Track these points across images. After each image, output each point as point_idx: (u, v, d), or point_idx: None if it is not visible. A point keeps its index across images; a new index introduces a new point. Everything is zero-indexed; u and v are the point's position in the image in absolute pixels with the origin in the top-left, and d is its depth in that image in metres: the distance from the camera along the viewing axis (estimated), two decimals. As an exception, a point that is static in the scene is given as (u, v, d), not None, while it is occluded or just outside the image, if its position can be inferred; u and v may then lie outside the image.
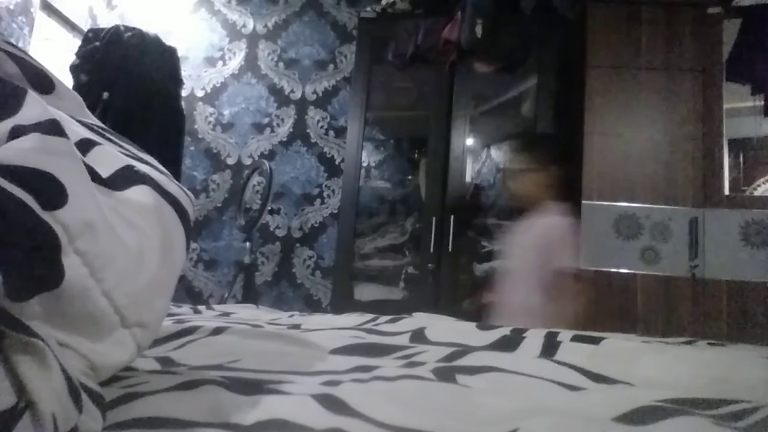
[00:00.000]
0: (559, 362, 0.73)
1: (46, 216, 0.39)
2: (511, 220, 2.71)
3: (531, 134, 2.59)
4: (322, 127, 3.33)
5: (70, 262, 0.41)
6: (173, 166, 2.48)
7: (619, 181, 2.42)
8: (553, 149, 2.24)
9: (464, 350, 0.77)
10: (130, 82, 2.45)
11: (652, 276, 2.33)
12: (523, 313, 1.90)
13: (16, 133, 0.42)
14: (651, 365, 0.74)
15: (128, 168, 0.57)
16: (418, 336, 0.91)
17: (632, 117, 2.47)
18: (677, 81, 2.46)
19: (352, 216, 2.83)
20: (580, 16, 2.62)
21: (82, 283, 0.43)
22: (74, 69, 2.48)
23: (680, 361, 0.75)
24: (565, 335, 0.90)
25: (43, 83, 0.57)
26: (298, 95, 3.38)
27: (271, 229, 3.26)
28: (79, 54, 2.53)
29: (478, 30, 2.62)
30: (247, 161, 3.35)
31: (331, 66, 3.38)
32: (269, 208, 3.02)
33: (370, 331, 0.95)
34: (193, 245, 3.26)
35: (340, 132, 3.25)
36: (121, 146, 0.62)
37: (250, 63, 3.45)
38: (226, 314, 1.20)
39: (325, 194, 3.26)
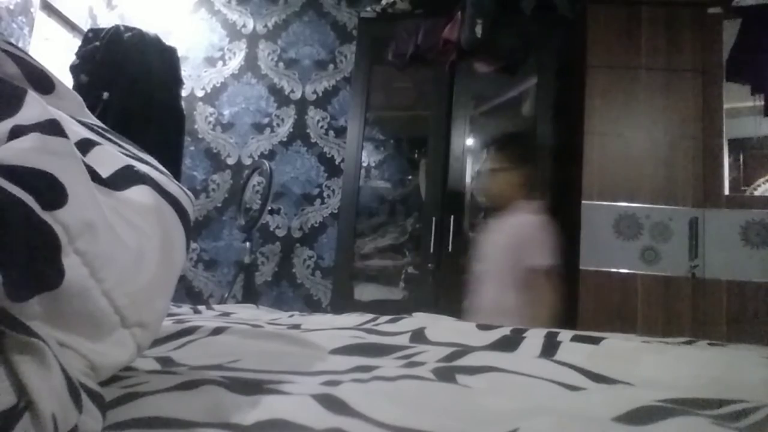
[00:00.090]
0: (559, 362, 0.73)
1: (46, 216, 0.39)
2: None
3: (504, 134, 2.63)
4: (322, 127, 3.33)
5: (70, 262, 0.41)
6: (173, 166, 2.48)
7: (619, 181, 2.42)
8: (525, 149, 2.28)
9: (464, 350, 0.77)
10: (130, 82, 2.45)
11: (652, 276, 2.33)
12: (498, 311, 1.91)
13: (16, 133, 0.42)
14: (651, 365, 0.74)
15: (128, 168, 0.57)
16: (418, 336, 0.91)
17: (632, 117, 2.47)
18: (677, 81, 2.46)
19: (352, 216, 2.83)
20: (580, 16, 2.62)
21: (82, 283, 0.43)
22: (74, 69, 2.48)
23: (680, 361, 0.75)
24: (565, 335, 0.90)
25: (43, 83, 0.57)
26: (298, 95, 3.38)
27: (271, 229, 3.26)
28: (79, 54, 2.53)
29: (478, 30, 2.62)
30: (247, 161, 3.35)
31: (331, 66, 3.38)
32: (269, 208, 3.02)
33: (370, 331, 0.95)
34: (193, 245, 3.26)
35: (340, 132, 3.25)
36: (121, 146, 0.62)
37: (250, 63, 3.45)
38: (226, 314, 1.20)
39: (325, 194, 3.26)
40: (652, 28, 2.50)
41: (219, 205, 3.34)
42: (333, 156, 3.28)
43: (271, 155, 3.33)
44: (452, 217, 2.63)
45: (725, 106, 2.43)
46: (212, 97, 3.45)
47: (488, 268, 2.08)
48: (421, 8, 2.92)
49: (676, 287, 2.30)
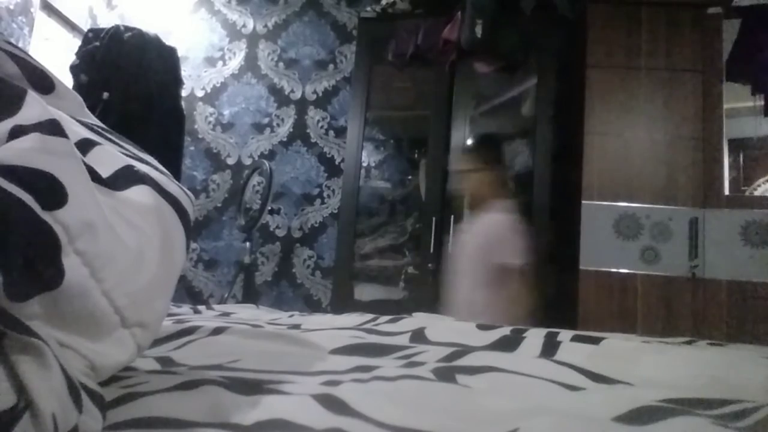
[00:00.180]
0: (559, 362, 0.73)
1: (46, 216, 0.39)
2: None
3: (475, 135, 2.67)
4: (322, 127, 3.33)
5: (70, 262, 0.41)
6: (173, 166, 2.48)
7: (619, 181, 2.42)
8: (497, 150, 2.31)
9: (464, 350, 0.77)
10: (130, 82, 2.45)
11: (652, 276, 2.33)
12: (470, 309, 1.93)
13: (16, 133, 0.42)
14: (651, 365, 0.74)
15: (128, 168, 0.57)
16: (418, 336, 0.91)
17: (632, 117, 2.47)
18: (677, 81, 2.46)
19: (352, 216, 2.83)
20: (580, 16, 2.62)
21: (82, 283, 0.43)
22: (74, 69, 2.48)
23: (680, 361, 0.75)
24: (565, 335, 0.90)
25: (43, 83, 0.57)
26: (298, 95, 3.38)
27: (271, 229, 3.26)
28: (79, 54, 2.53)
29: (478, 30, 2.62)
30: (247, 161, 3.35)
31: (331, 66, 3.38)
32: (269, 208, 3.02)
33: (370, 331, 0.95)
34: (193, 245, 3.26)
35: (340, 132, 3.25)
36: (121, 146, 0.62)
37: (250, 63, 3.45)
38: (226, 314, 1.20)
39: (325, 194, 3.26)
40: (652, 28, 2.50)
41: (219, 205, 3.34)
42: (333, 156, 3.28)
43: (271, 155, 3.33)
44: (452, 217, 2.63)
45: (725, 106, 2.42)
46: (212, 97, 3.45)
47: (461, 268, 2.10)
48: (421, 8, 2.92)
49: (676, 287, 2.30)
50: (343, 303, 2.70)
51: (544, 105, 2.66)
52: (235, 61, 3.47)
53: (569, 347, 0.82)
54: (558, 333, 0.92)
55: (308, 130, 3.34)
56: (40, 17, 2.68)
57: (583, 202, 2.41)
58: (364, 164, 3.01)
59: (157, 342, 0.74)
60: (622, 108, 2.48)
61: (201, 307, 1.30)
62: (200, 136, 3.41)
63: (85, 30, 2.74)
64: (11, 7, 2.48)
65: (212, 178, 3.37)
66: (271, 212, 3.22)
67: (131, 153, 0.62)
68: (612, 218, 2.39)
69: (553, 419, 0.49)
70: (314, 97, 3.37)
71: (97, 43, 2.49)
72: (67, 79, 2.48)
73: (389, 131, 3.23)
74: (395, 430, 0.46)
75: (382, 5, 3.01)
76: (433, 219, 2.66)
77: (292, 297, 3.18)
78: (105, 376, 0.49)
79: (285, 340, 0.81)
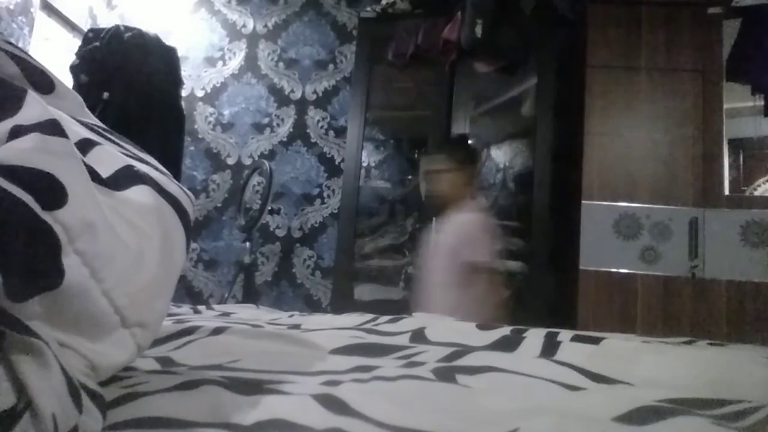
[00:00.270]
0: (559, 362, 0.73)
1: (46, 216, 0.39)
2: (511, 220, 2.73)
3: (445, 137, 2.70)
4: (322, 127, 3.33)
5: (70, 262, 0.41)
6: (173, 166, 2.48)
7: (619, 181, 2.42)
8: (467, 150, 2.35)
9: (464, 350, 0.77)
10: (130, 82, 2.45)
11: (652, 276, 2.33)
12: (441, 309, 1.94)
13: (16, 133, 0.42)
14: (651, 365, 0.74)
15: (128, 168, 0.57)
16: (418, 336, 0.91)
17: (632, 117, 2.47)
18: (677, 81, 2.46)
19: (352, 216, 2.83)
20: (580, 16, 2.62)
21: (82, 283, 0.43)
22: (74, 69, 2.48)
23: (680, 361, 0.75)
24: (565, 335, 0.90)
25: (43, 83, 0.57)
26: (298, 95, 3.38)
27: (271, 229, 3.26)
28: (79, 54, 2.53)
29: (478, 30, 2.62)
30: (247, 161, 3.35)
31: (331, 66, 3.38)
32: (269, 208, 3.02)
33: (370, 331, 0.95)
34: (193, 245, 3.26)
35: (340, 132, 3.25)
36: (121, 146, 0.62)
37: (250, 63, 3.45)
38: (226, 314, 1.20)
39: (325, 194, 3.26)
40: (652, 28, 2.50)
41: (219, 205, 3.34)
42: (333, 156, 3.28)
43: (271, 155, 3.32)
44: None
45: (725, 106, 2.43)
46: (212, 97, 3.45)
47: (432, 267, 2.12)
48: (421, 8, 2.92)
49: (676, 287, 2.30)
50: (343, 303, 2.70)
51: (544, 105, 2.66)
52: (235, 61, 3.47)
53: (569, 347, 0.82)
54: (558, 333, 0.92)
55: (308, 130, 3.34)
56: (40, 17, 2.68)
57: (583, 202, 2.41)
58: (364, 164, 3.01)
59: (157, 342, 0.74)
60: (622, 108, 2.48)
61: (201, 307, 1.30)
62: (200, 136, 3.41)
63: (85, 30, 2.74)
64: (11, 7, 2.48)
65: (212, 178, 3.37)
66: (271, 212, 3.22)
67: (131, 153, 0.62)
68: (612, 218, 2.39)
69: (553, 419, 0.49)
70: (314, 97, 3.37)
71: (97, 43, 2.49)
72: (67, 79, 2.48)
73: (389, 131, 3.23)
74: (395, 430, 0.46)
75: (382, 5, 3.01)
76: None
77: (292, 297, 3.18)
78: (105, 376, 0.49)
79: (285, 340, 0.81)
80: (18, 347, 0.35)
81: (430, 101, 2.87)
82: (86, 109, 0.65)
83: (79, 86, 2.41)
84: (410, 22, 2.84)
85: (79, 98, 0.64)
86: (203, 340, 0.78)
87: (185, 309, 1.24)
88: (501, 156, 2.92)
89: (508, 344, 0.85)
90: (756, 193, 2.61)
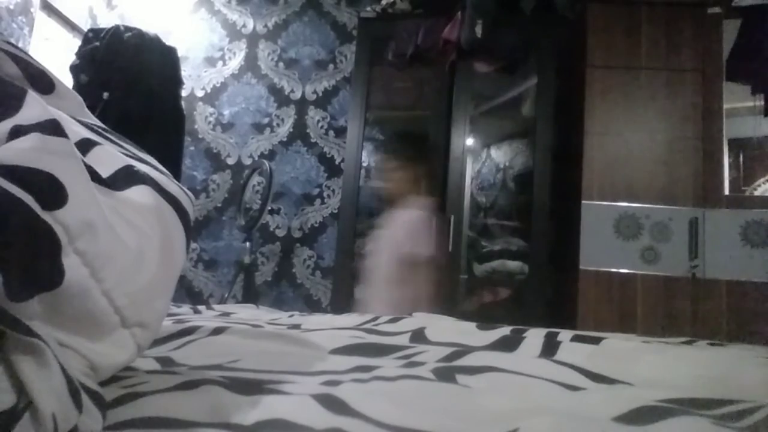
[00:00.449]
0: (559, 362, 0.73)
1: (46, 216, 0.39)
2: (511, 220, 2.74)
3: (395, 134, 2.76)
4: (322, 127, 3.33)
5: (70, 262, 0.41)
6: (173, 166, 2.48)
7: (619, 181, 2.42)
8: (416, 147, 2.37)
9: (464, 350, 0.77)
10: (130, 82, 2.45)
11: (652, 276, 2.33)
12: (383, 303, 1.98)
13: (16, 133, 0.42)
14: (651, 365, 0.74)
15: (128, 168, 0.57)
16: (418, 336, 0.91)
17: (632, 117, 2.47)
18: (677, 81, 2.46)
19: (352, 216, 2.83)
20: (580, 16, 2.62)
21: (82, 283, 0.43)
22: (74, 69, 2.48)
23: (680, 361, 0.75)
24: (565, 335, 0.90)
25: (43, 83, 0.57)
26: (298, 95, 3.38)
27: (271, 229, 3.26)
28: (79, 54, 2.53)
29: (478, 30, 2.62)
30: (247, 161, 3.35)
31: (331, 66, 3.38)
32: (269, 208, 3.02)
33: (370, 331, 0.95)
34: (193, 245, 3.26)
35: (340, 132, 3.25)
36: (121, 146, 0.62)
37: (250, 63, 3.45)
38: (226, 314, 1.20)
39: (325, 194, 3.26)
40: (652, 28, 2.50)
41: (219, 205, 3.34)
42: (333, 156, 3.28)
43: (271, 155, 3.32)
44: (452, 217, 2.63)
45: (725, 106, 2.43)
46: (212, 97, 3.45)
47: (377, 263, 2.15)
48: (421, 8, 2.92)
49: (676, 287, 2.30)
50: (343, 303, 2.70)
51: (544, 105, 2.66)
52: (235, 61, 3.47)
53: (569, 347, 0.82)
54: (558, 333, 0.92)
55: (308, 130, 3.34)
56: (40, 17, 2.68)
57: (583, 202, 2.41)
58: (364, 164, 3.01)
59: (157, 342, 0.74)
60: (622, 108, 2.48)
61: (201, 307, 1.30)
62: (200, 136, 3.41)
63: (85, 30, 2.74)
64: (11, 7, 2.48)
65: (212, 178, 3.37)
66: (271, 212, 3.22)
67: (131, 153, 0.62)
68: (612, 218, 2.39)
69: (553, 419, 0.49)
70: (314, 97, 3.37)
71: (97, 43, 2.49)
72: (67, 79, 2.48)
73: (389, 131, 3.23)
74: (395, 430, 0.46)
75: (382, 5, 3.01)
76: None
77: (292, 297, 3.18)
78: (105, 376, 0.49)
79: (285, 340, 0.81)
80: (18, 347, 0.35)
81: (430, 101, 2.87)
82: (86, 109, 0.65)
83: (79, 86, 2.41)
84: (410, 22, 2.84)
85: (79, 98, 0.64)
86: (203, 340, 0.78)
87: (185, 309, 1.24)
88: (501, 156, 2.92)
89: (508, 344, 0.85)
90: (756, 193, 2.61)
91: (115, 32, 2.52)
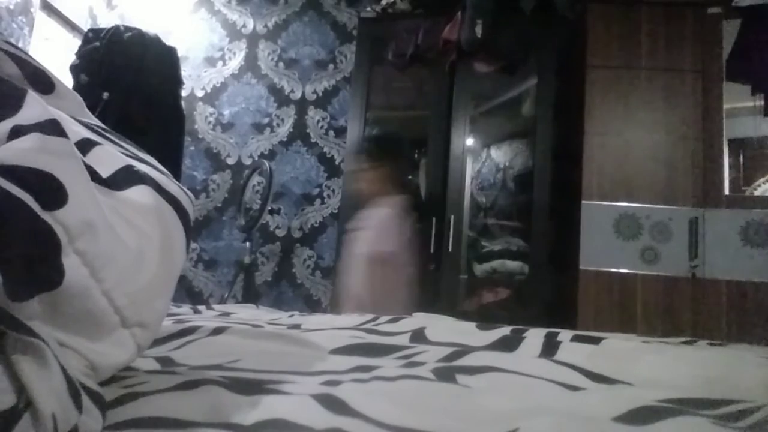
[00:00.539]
0: (559, 362, 0.73)
1: (46, 216, 0.39)
2: (511, 220, 2.74)
3: (366, 136, 2.80)
4: (322, 127, 3.33)
5: (70, 262, 0.41)
6: (173, 166, 2.48)
7: (619, 181, 2.42)
8: (385, 149, 2.39)
9: (464, 350, 0.77)
10: (130, 82, 2.45)
11: (652, 276, 2.33)
12: (358, 303, 2.00)
13: (17, 133, 0.42)
14: (651, 365, 0.74)
15: (128, 168, 0.57)
16: (418, 336, 0.91)
17: (632, 117, 2.47)
18: (677, 81, 2.46)
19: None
20: (580, 16, 2.62)
21: (82, 283, 0.43)
22: (74, 69, 2.48)
23: (680, 361, 0.75)
24: (565, 335, 0.90)
25: (43, 83, 0.57)
26: (298, 95, 3.38)
27: (271, 229, 3.26)
28: (79, 54, 2.53)
29: (478, 30, 2.62)
30: (247, 161, 3.35)
31: (331, 66, 3.38)
32: (269, 208, 3.02)
33: (370, 331, 0.95)
34: (193, 245, 3.26)
35: (340, 132, 3.25)
36: (121, 146, 0.62)
37: (250, 63, 3.45)
38: (226, 314, 1.20)
39: (325, 194, 3.26)
40: (652, 28, 2.50)
41: (219, 205, 3.34)
42: (333, 156, 3.28)
43: (271, 155, 3.33)
44: (452, 217, 2.63)
45: (725, 106, 2.42)
46: (212, 97, 3.45)
47: (350, 263, 2.18)
48: (421, 8, 2.92)
49: (676, 287, 2.30)
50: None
51: (544, 105, 2.66)
52: (235, 61, 3.47)
53: (569, 347, 0.82)
54: (558, 333, 0.92)
55: (308, 130, 3.34)
56: (40, 17, 2.68)
57: (583, 202, 2.41)
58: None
59: (157, 342, 0.74)
60: (622, 108, 2.48)
61: (201, 307, 1.30)
62: (200, 136, 3.41)
63: (85, 30, 2.74)
64: (11, 7, 2.48)
65: (212, 178, 3.37)
66: (271, 212, 3.22)
67: (131, 153, 0.62)
68: (612, 218, 2.39)
69: (553, 419, 0.49)
70: (314, 97, 3.37)
71: (97, 43, 2.49)
72: (67, 79, 2.48)
73: (389, 131, 3.23)
74: (395, 430, 0.46)
75: (382, 5, 3.01)
76: (433, 219, 2.66)
77: (292, 297, 3.18)
78: (105, 376, 0.49)
79: (285, 340, 0.81)
80: (18, 347, 0.35)
81: (430, 101, 2.87)
82: (86, 109, 0.65)
83: (79, 86, 2.41)
84: (410, 22, 2.84)
85: (79, 98, 0.64)
86: (203, 340, 0.78)
87: (185, 309, 1.24)
88: (501, 156, 2.92)
89: (508, 344, 0.85)
90: (756, 193, 2.61)
91: (115, 32, 2.52)
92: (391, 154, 2.35)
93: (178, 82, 2.75)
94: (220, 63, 3.48)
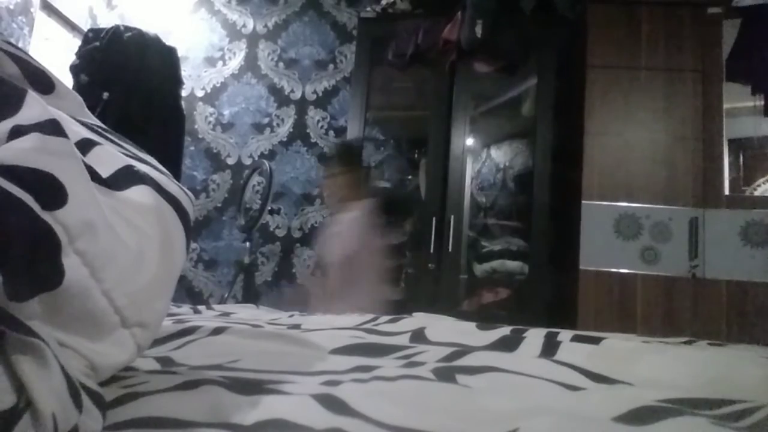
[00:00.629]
0: (559, 362, 0.73)
1: (46, 216, 0.39)
2: (511, 220, 2.74)
3: (334, 143, 2.99)
4: (322, 127, 3.33)
5: (70, 262, 0.41)
6: (173, 166, 2.48)
7: (619, 181, 2.42)
8: (352, 155, 2.50)
9: (464, 350, 0.77)
10: (130, 82, 2.45)
11: (652, 276, 2.33)
12: (332, 305, 2.03)
13: (16, 133, 0.42)
14: (651, 365, 0.74)
15: (128, 168, 0.57)
16: (418, 336, 0.91)
17: (632, 117, 2.47)
18: (677, 81, 2.46)
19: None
20: (580, 16, 2.62)
21: (82, 283, 0.43)
22: (74, 69, 2.48)
23: (680, 361, 0.75)
24: (565, 335, 0.90)
25: (43, 83, 0.57)
26: (298, 95, 3.38)
27: (271, 229, 3.26)
28: (79, 54, 2.53)
29: (478, 30, 2.62)
30: (247, 161, 3.35)
31: (331, 66, 3.38)
32: (269, 208, 3.02)
33: (370, 331, 0.95)
34: (193, 245, 3.26)
35: (340, 132, 3.25)
36: (121, 146, 0.62)
37: (250, 63, 3.45)
38: (226, 314, 1.20)
39: (325, 194, 3.26)
40: (652, 28, 2.50)
41: (219, 205, 3.34)
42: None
43: (271, 155, 3.33)
44: (452, 217, 2.63)
45: (725, 106, 2.42)
46: (212, 97, 3.45)
47: (322, 266, 2.26)
48: (421, 8, 2.92)
49: (676, 287, 2.30)
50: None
51: (544, 105, 2.66)
52: (235, 61, 3.47)
53: (569, 347, 0.82)
54: (558, 333, 0.92)
55: (308, 130, 3.34)
56: (40, 17, 2.68)
57: (583, 202, 2.41)
58: (364, 164, 3.01)
59: (157, 342, 0.74)
60: (622, 108, 2.48)
61: (201, 307, 1.30)
62: (200, 136, 3.41)
63: (85, 30, 2.75)
64: (11, 7, 2.48)
65: (212, 178, 3.37)
66: (271, 212, 3.22)
67: (131, 153, 0.62)
68: (612, 218, 2.39)
69: (553, 419, 0.49)
70: (314, 97, 3.37)
71: (97, 43, 2.49)
72: (67, 79, 2.48)
73: (389, 131, 3.23)
74: (395, 430, 0.46)
75: (382, 5, 3.01)
76: (433, 219, 2.66)
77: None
78: (105, 376, 0.49)
79: (285, 340, 0.81)
80: (18, 347, 0.35)
81: (430, 101, 2.87)
82: (86, 109, 0.65)
83: (79, 86, 2.41)
84: (410, 22, 2.83)
85: (79, 98, 0.64)
86: (203, 340, 0.78)
87: (185, 309, 1.24)
88: (501, 156, 2.92)
89: (508, 344, 0.85)
90: (756, 193, 2.61)
91: (115, 32, 2.52)
92: (358, 160, 2.48)
93: (178, 82, 2.76)
94: (220, 63, 3.48)
